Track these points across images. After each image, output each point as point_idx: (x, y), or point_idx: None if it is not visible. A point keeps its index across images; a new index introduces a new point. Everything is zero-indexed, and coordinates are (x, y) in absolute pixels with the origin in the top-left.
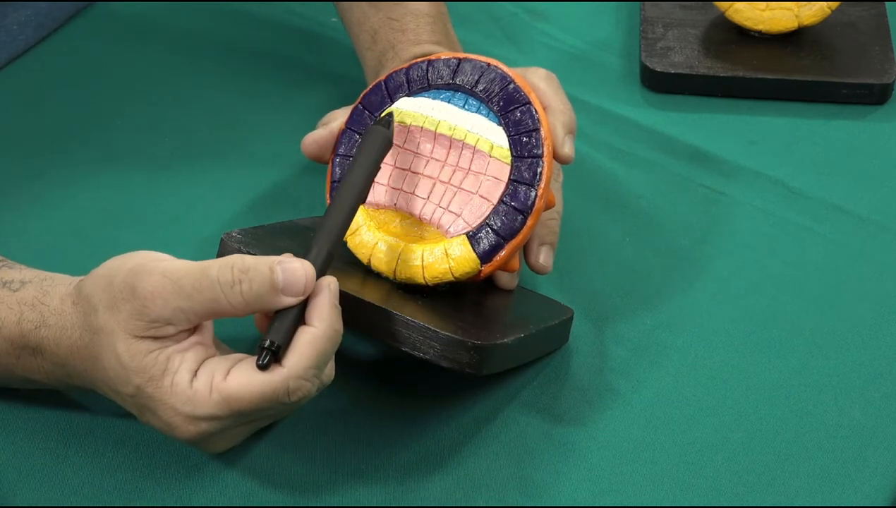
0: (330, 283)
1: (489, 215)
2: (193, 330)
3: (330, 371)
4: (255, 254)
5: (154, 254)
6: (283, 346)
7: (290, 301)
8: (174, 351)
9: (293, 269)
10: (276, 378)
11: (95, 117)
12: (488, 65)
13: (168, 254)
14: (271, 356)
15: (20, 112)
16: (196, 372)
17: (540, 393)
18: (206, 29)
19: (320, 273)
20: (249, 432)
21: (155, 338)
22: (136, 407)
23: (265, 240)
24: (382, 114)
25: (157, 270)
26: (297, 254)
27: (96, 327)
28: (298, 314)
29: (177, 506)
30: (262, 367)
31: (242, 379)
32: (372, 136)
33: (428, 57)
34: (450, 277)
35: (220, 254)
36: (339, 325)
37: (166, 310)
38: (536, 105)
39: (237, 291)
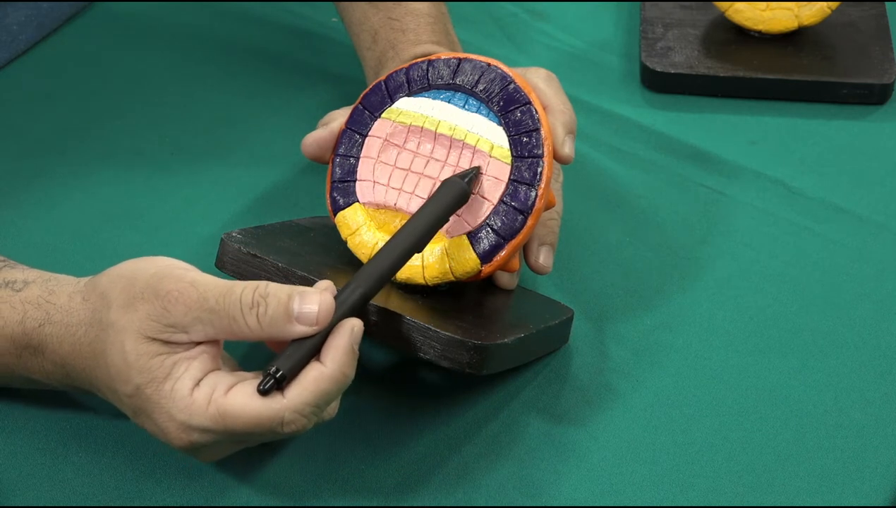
0: (354, 326)
1: (489, 215)
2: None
3: (332, 409)
4: (254, 254)
5: (179, 263)
6: (288, 376)
7: (303, 330)
8: (182, 358)
9: (310, 299)
10: (273, 406)
11: (95, 117)
12: (488, 65)
13: (193, 266)
14: (274, 383)
15: (20, 112)
16: (199, 381)
17: (540, 393)
18: (206, 29)
19: (350, 312)
20: (239, 449)
21: (165, 342)
22: (132, 409)
23: (265, 240)
24: (470, 167)
25: (186, 278)
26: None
27: (106, 323)
28: (313, 348)
29: (177, 506)
30: (263, 392)
31: (241, 398)
32: (445, 188)
33: (428, 57)
34: (450, 277)
35: (220, 254)
36: (351, 371)
37: (186, 318)
38: (536, 105)
39: (254, 313)
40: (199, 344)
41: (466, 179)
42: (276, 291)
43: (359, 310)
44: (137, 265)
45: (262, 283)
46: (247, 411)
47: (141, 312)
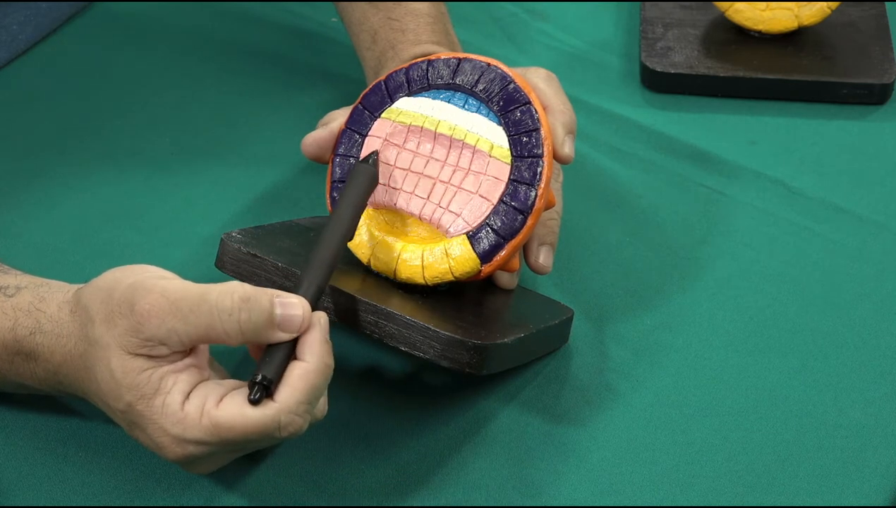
0: (321, 318)
1: (489, 215)
2: (189, 351)
3: (323, 406)
4: (254, 254)
5: (156, 271)
6: (274, 381)
7: (284, 337)
8: (168, 372)
9: (291, 304)
10: (268, 412)
11: (95, 117)
12: (488, 65)
13: (170, 272)
14: (263, 391)
15: (20, 112)
16: (189, 394)
17: (540, 393)
18: (206, 29)
19: (311, 307)
20: (233, 458)
21: (149, 357)
22: (126, 423)
23: (265, 240)
24: (368, 153)
25: (156, 288)
26: (287, 289)
27: (92, 339)
28: (290, 348)
29: (177, 506)
30: (254, 402)
31: (234, 409)
32: (358, 175)
33: (428, 57)
34: (450, 277)
35: (220, 254)
36: (331, 360)
37: (161, 330)
38: (536, 105)
39: (234, 320)
40: (185, 355)
41: (371, 162)
42: (256, 296)
43: (317, 303)
44: (115, 276)
45: (237, 286)
46: (241, 421)
47: (120, 327)
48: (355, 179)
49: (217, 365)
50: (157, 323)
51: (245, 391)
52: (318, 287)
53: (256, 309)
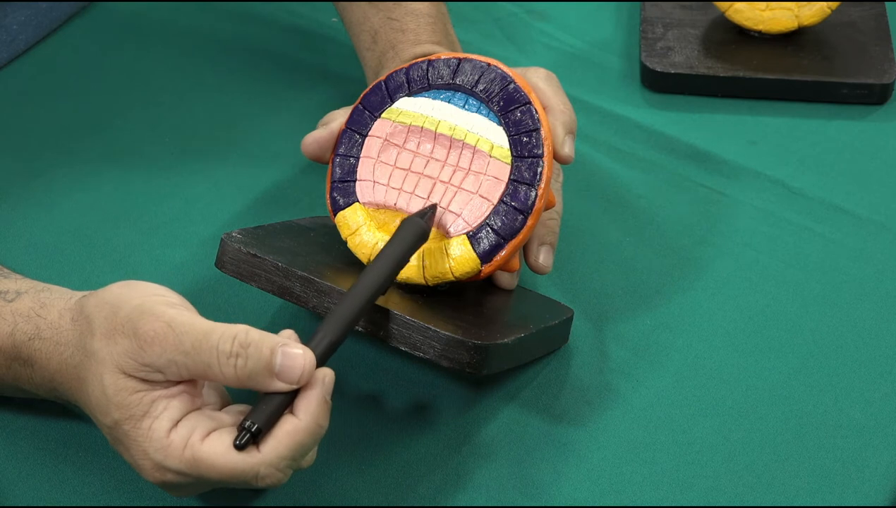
0: (325, 376)
1: (489, 215)
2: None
3: (310, 458)
4: (253, 254)
5: (164, 295)
6: (264, 430)
7: (282, 387)
8: (160, 396)
9: (293, 355)
10: (249, 461)
11: (95, 117)
12: (488, 65)
13: (179, 296)
14: (250, 437)
15: (20, 112)
16: (177, 422)
17: (540, 393)
18: (206, 29)
19: (320, 362)
20: (212, 489)
21: (143, 380)
22: (111, 437)
23: (265, 240)
24: (425, 205)
25: (163, 317)
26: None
27: (90, 351)
28: (287, 399)
29: (176, 506)
30: (239, 448)
31: (218, 448)
32: (407, 227)
33: (428, 57)
34: (450, 277)
35: (220, 254)
36: (325, 421)
37: (161, 360)
38: (536, 105)
39: (231, 364)
40: (179, 382)
41: (425, 218)
42: (257, 343)
43: (327, 359)
44: (122, 292)
45: (242, 331)
46: (222, 462)
47: (120, 347)
48: (403, 233)
49: (218, 386)
50: (158, 351)
51: (233, 431)
52: (332, 342)
53: (255, 357)
